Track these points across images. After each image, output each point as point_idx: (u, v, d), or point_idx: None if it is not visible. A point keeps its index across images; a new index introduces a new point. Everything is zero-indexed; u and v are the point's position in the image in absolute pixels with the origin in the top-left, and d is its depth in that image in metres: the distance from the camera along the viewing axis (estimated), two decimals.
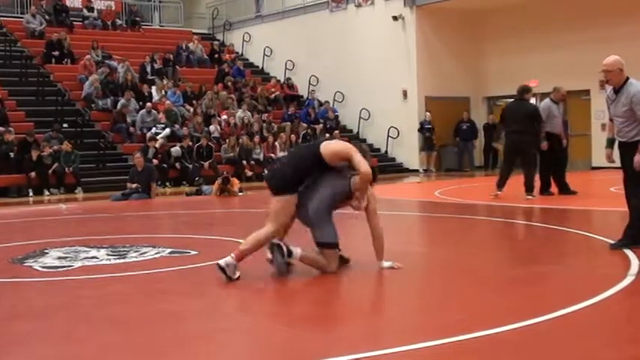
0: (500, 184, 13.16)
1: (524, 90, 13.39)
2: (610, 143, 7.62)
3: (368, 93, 25.04)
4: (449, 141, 24.64)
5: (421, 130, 23.93)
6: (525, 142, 12.90)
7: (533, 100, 23.63)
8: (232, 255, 6.22)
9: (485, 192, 13.38)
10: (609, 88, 7.42)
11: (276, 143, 22.15)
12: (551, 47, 23.06)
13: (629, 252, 7.01)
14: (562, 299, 5.22)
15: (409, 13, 24.22)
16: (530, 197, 12.77)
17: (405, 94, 24.45)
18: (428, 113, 23.88)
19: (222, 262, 6.18)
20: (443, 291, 5.83)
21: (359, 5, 25.59)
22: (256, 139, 21.96)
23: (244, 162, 21.18)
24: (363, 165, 6.21)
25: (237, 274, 6.19)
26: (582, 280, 6.13)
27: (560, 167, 13.48)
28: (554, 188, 13.35)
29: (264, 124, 23.34)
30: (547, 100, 13.59)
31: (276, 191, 6.32)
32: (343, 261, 6.63)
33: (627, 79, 7.26)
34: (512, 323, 4.58)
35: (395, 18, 24.33)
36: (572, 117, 23.16)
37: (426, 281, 6.46)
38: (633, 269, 6.26)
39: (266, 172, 7.16)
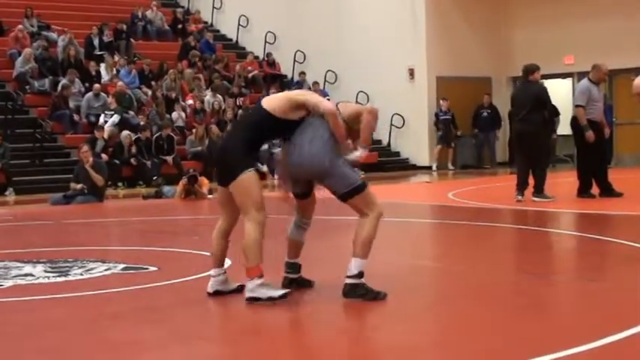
0: (520, 187, 13.25)
1: (529, 69, 13.61)
2: None
3: (366, 72, 25.05)
4: (466, 131, 24.69)
5: (437, 122, 23.93)
6: (530, 131, 13.12)
7: (568, 81, 23.95)
8: (249, 279, 6.08)
9: (510, 193, 13.44)
10: None
11: None
12: (592, 14, 23.13)
13: None
14: (604, 324, 5.27)
15: None
16: (537, 199, 12.94)
17: (411, 73, 24.49)
18: (443, 101, 23.87)
19: (248, 293, 6.06)
20: (456, 317, 5.85)
21: None
22: (229, 128, 21.91)
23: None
24: (322, 104, 6.25)
25: (281, 291, 6.12)
26: (629, 300, 6.17)
27: (601, 163, 13.58)
28: (595, 189, 13.42)
29: (240, 111, 23.33)
30: (585, 81, 13.69)
31: (232, 175, 6.13)
32: (307, 284, 6.69)
33: None
34: (540, 355, 4.58)
35: None
36: (617, 101, 23.30)
37: (435, 303, 6.47)
38: None
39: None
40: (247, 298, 6.06)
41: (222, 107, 23.19)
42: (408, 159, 24.87)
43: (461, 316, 5.79)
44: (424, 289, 7.00)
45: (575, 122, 13.47)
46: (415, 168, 24.36)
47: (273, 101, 6.28)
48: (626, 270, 7.55)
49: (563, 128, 24.48)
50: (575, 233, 10.48)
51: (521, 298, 6.40)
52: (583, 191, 13.39)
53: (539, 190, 13.11)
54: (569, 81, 24.31)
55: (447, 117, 23.89)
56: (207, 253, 8.62)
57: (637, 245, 8.60)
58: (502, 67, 25.39)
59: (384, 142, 25.15)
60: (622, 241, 8.97)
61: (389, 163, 24.27)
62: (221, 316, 6.04)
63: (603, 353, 4.73)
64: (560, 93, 24.72)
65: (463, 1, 24.68)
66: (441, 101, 23.99)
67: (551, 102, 13.53)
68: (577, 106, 13.43)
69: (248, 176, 6.08)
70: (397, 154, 25.07)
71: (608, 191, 13.40)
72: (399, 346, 5.08)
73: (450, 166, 24.08)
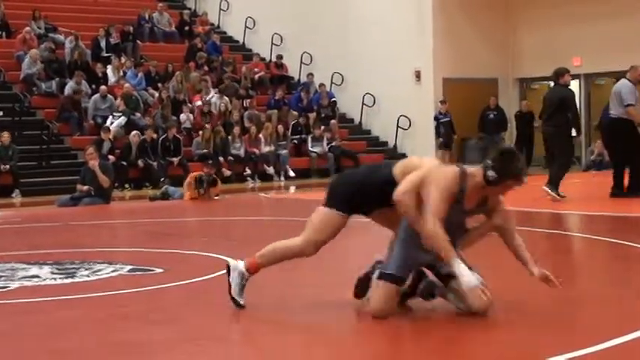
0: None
1: (558, 73, 14.01)
2: None
3: (373, 74, 25.02)
4: (472, 133, 24.62)
5: (438, 126, 23.84)
6: (551, 133, 13.70)
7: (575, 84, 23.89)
8: (245, 262, 5.94)
9: (518, 195, 13.39)
10: None
11: (260, 135, 22.13)
12: (600, 16, 23.07)
13: None
14: (618, 326, 5.23)
15: None
16: (547, 189, 13.26)
17: (418, 75, 24.45)
18: (442, 104, 23.82)
19: (232, 271, 5.92)
20: (471, 321, 5.79)
21: None
22: (236, 130, 21.93)
23: (221, 159, 21.11)
24: (427, 219, 5.45)
25: (241, 301, 5.93)
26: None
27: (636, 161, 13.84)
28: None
29: (246, 112, 23.31)
30: (627, 81, 13.85)
31: (326, 200, 5.91)
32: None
33: None
34: (552, 356, 4.58)
35: None
36: None
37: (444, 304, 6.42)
38: None
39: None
40: (227, 269, 5.97)
41: (229, 109, 23.15)
42: None
43: (475, 320, 5.73)
44: None
45: (617, 123, 13.59)
46: None
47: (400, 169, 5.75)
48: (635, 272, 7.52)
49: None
50: (587, 236, 10.45)
51: (535, 301, 6.34)
52: (633, 190, 13.52)
53: (552, 183, 13.36)
54: (576, 82, 24.25)
55: (447, 119, 23.80)
56: (215, 255, 8.64)
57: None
58: (509, 69, 25.38)
59: (391, 144, 25.12)
60: (630, 244, 8.94)
61: None
62: (229, 317, 5.99)
63: (617, 353, 4.73)
64: None
65: (469, 3, 24.63)
66: (439, 104, 23.94)
67: (575, 105, 13.99)
68: (628, 105, 13.51)
69: (333, 214, 5.79)
70: (404, 155, 24.95)
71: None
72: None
73: None
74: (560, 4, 23.88)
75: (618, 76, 22.90)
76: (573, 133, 14.09)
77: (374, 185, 5.77)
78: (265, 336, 5.56)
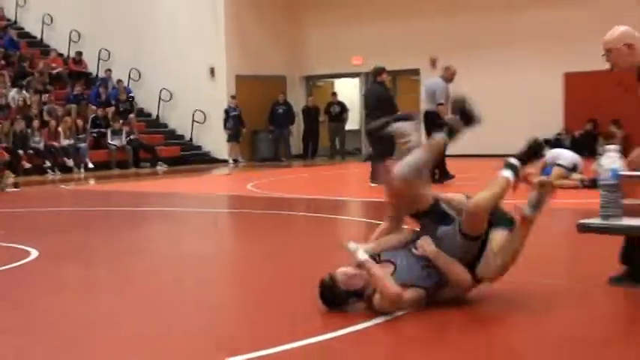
0: (373, 177, 14.00)
1: (376, 71, 14.45)
2: None
3: (169, 70, 25.22)
4: (264, 126, 25.27)
5: (227, 119, 24.36)
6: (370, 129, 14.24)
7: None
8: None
9: (303, 184, 13.82)
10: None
11: (60, 129, 21.97)
12: (379, 18, 24.14)
13: None
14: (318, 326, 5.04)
15: None
16: (374, 185, 13.60)
17: (212, 72, 24.86)
18: (232, 99, 24.32)
19: None
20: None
21: None
22: (35, 123, 21.67)
23: (21, 152, 20.83)
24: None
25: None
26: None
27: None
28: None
29: (45, 107, 23.05)
30: (440, 80, 14.41)
31: None
32: None
33: None
34: (233, 355, 4.45)
35: None
36: (400, 100, 24.44)
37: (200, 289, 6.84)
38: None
39: None
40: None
41: (28, 103, 22.84)
42: (209, 152, 25.19)
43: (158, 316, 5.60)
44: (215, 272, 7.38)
45: (431, 115, 13.83)
46: (217, 161, 24.73)
47: None
48: None
49: (352, 123, 25.66)
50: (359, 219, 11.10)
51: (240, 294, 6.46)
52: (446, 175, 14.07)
53: (375, 178, 13.70)
54: (356, 80, 25.42)
55: (235, 113, 24.26)
56: (14, 245, 8.49)
57: None
58: (296, 67, 26.11)
59: (187, 137, 25.40)
60: None
61: (191, 157, 24.55)
62: (26, 309, 5.75)
63: (300, 353, 4.58)
64: (348, 91, 25.94)
65: (260, 5, 25.17)
66: (230, 99, 24.40)
67: (391, 100, 14.37)
68: (439, 104, 14.01)
69: None
70: (199, 147, 25.35)
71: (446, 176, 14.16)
72: None
73: (241, 159, 24.48)
74: (345, 6, 24.80)
75: (394, 75, 24.30)
76: (349, 127, 14.37)
77: None
78: (57, 327, 5.29)
